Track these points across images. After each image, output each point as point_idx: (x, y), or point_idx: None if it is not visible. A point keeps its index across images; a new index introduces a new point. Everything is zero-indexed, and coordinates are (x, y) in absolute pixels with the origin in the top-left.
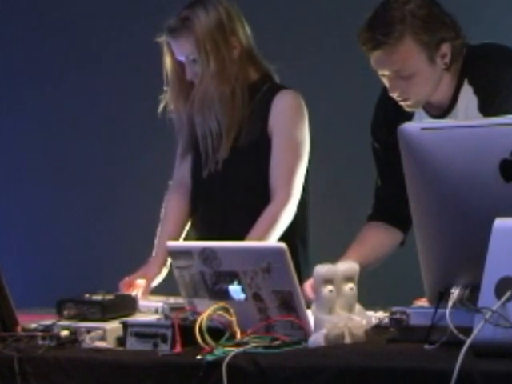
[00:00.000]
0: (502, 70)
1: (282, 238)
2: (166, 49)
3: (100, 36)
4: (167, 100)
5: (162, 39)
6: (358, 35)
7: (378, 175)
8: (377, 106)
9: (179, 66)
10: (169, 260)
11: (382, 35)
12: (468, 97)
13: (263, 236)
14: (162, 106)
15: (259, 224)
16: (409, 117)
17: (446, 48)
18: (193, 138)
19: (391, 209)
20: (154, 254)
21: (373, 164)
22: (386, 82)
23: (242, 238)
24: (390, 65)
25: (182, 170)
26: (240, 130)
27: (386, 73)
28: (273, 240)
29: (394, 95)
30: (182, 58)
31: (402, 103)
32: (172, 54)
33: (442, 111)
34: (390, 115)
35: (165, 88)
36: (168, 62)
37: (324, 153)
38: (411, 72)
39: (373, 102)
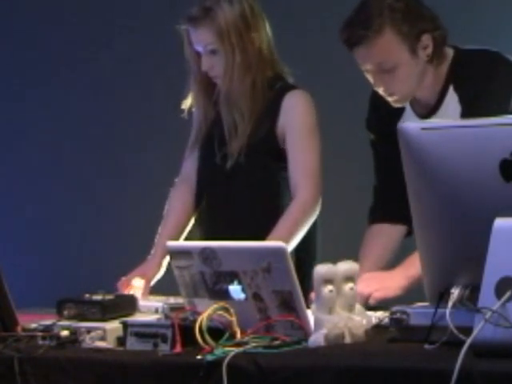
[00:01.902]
0: (488, 81)
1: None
2: (186, 38)
3: (101, 37)
4: (189, 90)
5: (183, 28)
6: (339, 33)
7: (375, 167)
8: (370, 100)
9: (198, 56)
10: (167, 259)
11: (362, 29)
12: (453, 104)
13: (289, 235)
14: (185, 94)
15: (285, 222)
16: (400, 111)
17: (426, 39)
18: (204, 132)
19: (391, 203)
20: (152, 252)
21: (372, 163)
22: (370, 77)
23: (245, 236)
24: (372, 58)
25: (188, 167)
26: (253, 126)
27: (369, 67)
28: (297, 240)
29: (380, 90)
30: (199, 48)
31: (388, 99)
32: (191, 44)
33: (427, 110)
34: (382, 111)
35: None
36: (188, 51)
37: (324, 153)
38: (393, 64)
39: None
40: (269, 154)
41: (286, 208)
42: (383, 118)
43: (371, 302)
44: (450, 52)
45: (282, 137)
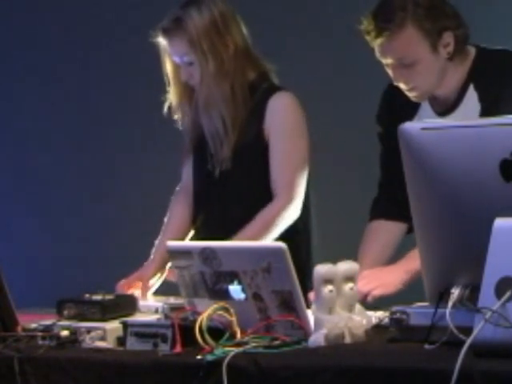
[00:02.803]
0: (509, 81)
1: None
2: (163, 49)
3: (100, 35)
4: (170, 100)
5: (158, 39)
6: (362, 26)
7: (381, 162)
8: (383, 95)
9: (178, 65)
10: (166, 264)
11: (384, 22)
12: (473, 103)
13: (257, 235)
14: (166, 106)
15: (255, 222)
16: (415, 107)
17: (448, 37)
18: (194, 140)
19: (393, 200)
20: (151, 256)
21: (373, 164)
22: (390, 71)
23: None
24: (392, 52)
25: (186, 175)
26: (240, 129)
27: (390, 61)
28: (268, 240)
29: (400, 85)
30: (177, 59)
31: (408, 94)
32: (170, 54)
33: (445, 108)
34: (395, 105)
35: (168, 88)
36: (167, 62)
37: (324, 153)
38: (413, 59)
39: (372, 102)
40: (259, 156)
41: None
42: (396, 111)
43: (369, 299)
44: (471, 51)
45: (268, 138)
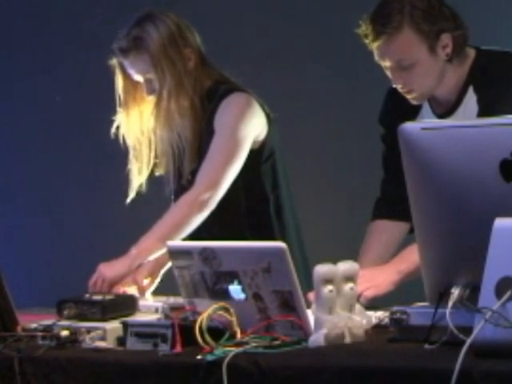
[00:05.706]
0: (508, 84)
1: None
2: (117, 70)
3: (100, 37)
4: (120, 121)
5: (113, 61)
6: (360, 29)
7: (384, 162)
8: (386, 96)
9: (132, 86)
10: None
11: (381, 25)
12: (471, 105)
13: (175, 224)
14: (114, 126)
15: (172, 210)
16: (416, 109)
17: (446, 39)
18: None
19: (395, 200)
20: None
21: (373, 164)
22: (389, 74)
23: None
24: (390, 55)
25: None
26: (201, 139)
27: (388, 64)
28: (188, 229)
29: (398, 87)
30: (139, 78)
31: (407, 96)
32: (124, 75)
33: (446, 109)
34: (398, 105)
35: (118, 109)
36: (120, 82)
37: (324, 153)
38: (412, 62)
39: (374, 103)
40: None
41: (246, 213)
42: (398, 111)
43: (362, 300)
44: (471, 52)
45: None
